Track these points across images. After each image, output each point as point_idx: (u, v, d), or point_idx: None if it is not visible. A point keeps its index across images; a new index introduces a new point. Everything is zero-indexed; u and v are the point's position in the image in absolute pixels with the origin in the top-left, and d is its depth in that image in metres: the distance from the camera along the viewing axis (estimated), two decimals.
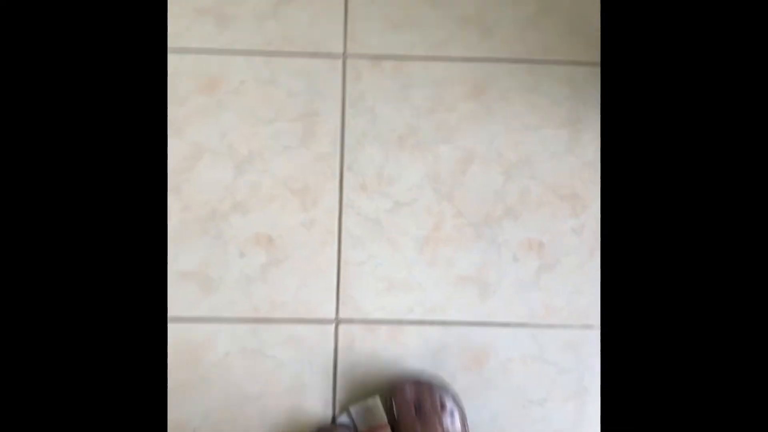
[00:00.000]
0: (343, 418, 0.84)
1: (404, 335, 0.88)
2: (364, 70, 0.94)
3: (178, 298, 0.88)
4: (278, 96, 0.93)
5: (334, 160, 0.91)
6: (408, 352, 0.88)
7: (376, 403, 0.83)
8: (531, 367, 0.88)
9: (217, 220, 0.90)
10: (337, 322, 0.89)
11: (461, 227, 0.91)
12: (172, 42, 0.93)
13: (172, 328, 0.87)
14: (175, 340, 0.87)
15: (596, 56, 0.95)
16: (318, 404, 0.87)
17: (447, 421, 0.80)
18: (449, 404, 0.82)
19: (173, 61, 0.93)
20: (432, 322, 0.89)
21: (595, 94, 0.94)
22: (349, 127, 0.93)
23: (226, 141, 0.91)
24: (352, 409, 0.83)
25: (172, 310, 0.88)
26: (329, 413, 0.87)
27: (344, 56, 0.94)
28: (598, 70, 0.94)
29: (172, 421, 0.86)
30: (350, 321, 0.89)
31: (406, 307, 0.89)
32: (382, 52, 0.94)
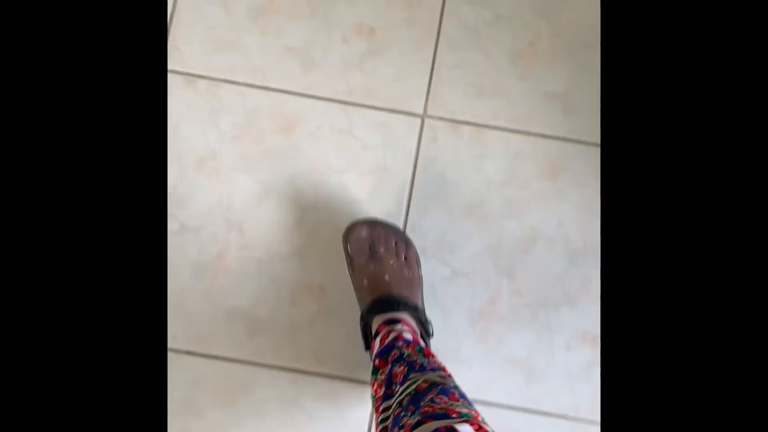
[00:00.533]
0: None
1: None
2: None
3: (280, 71, 0.94)
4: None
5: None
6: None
7: None
8: None
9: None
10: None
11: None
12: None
13: (271, 96, 0.93)
14: (272, 110, 0.93)
15: None
16: (395, 188, 0.91)
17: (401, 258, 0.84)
18: (404, 250, 0.84)
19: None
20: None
21: None
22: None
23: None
24: None
25: (271, 81, 0.94)
26: (405, 198, 0.91)
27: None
28: None
29: (260, 182, 0.92)
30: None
31: None
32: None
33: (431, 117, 0.94)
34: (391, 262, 0.82)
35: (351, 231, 0.84)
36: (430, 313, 0.88)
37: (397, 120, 0.93)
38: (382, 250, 0.83)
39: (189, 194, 0.91)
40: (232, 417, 0.87)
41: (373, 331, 0.79)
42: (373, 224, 0.85)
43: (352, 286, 0.88)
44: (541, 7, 0.96)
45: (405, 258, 0.84)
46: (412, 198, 0.91)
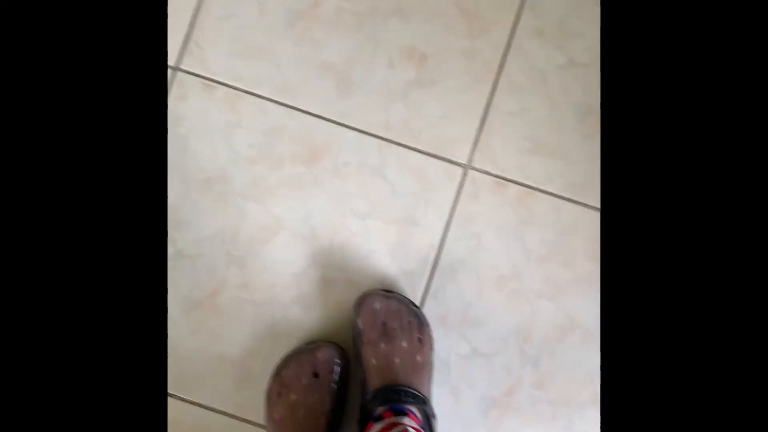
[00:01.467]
0: None
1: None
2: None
3: (311, 89, 0.82)
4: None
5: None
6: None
7: None
8: None
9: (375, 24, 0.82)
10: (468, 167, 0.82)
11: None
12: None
13: (297, 118, 0.81)
14: (297, 134, 0.81)
15: None
16: (423, 244, 0.81)
17: (414, 341, 0.74)
18: (418, 330, 0.74)
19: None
20: None
21: None
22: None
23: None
24: None
25: (300, 100, 0.81)
26: (431, 258, 0.80)
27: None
28: None
29: (271, 215, 0.81)
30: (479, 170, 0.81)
31: None
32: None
33: (475, 169, 0.81)
34: (404, 343, 0.72)
35: (363, 301, 0.74)
36: (440, 393, 0.78)
37: (436, 167, 0.81)
38: (395, 327, 0.73)
39: (190, 217, 0.80)
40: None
41: (375, 414, 0.69)
42: (387, 297, 0.74)
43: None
44: None
45: (419, 340, 0.74)
46: (439, 260, 0.80)
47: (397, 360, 0.71)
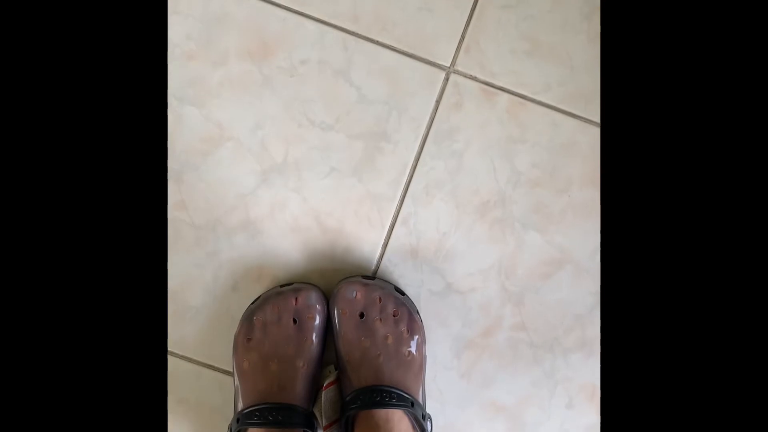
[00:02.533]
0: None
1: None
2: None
3: None
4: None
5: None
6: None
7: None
8: None
9: None
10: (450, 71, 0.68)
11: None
12: None
13: (247, 4, 0.66)
14: (245, 24, 0.67)
15: None
16: (394, 163, 0.68)
17: (400, 333, 0.63)
18: (406, 320, 0.64)
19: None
20: None
21: None
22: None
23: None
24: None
25: None
26: (404, 179, 0.68)
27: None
28: None
29: (211, 121, 0.67)
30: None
31: None
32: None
33: (460, 73, 0.68)
34: (387, 336, 0.62)
35: (338, 290, 0.64)
36: None
37: (413, 69, 0.68)
38: (376, 318, 0.62)
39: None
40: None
41: (356, 427, 0.60)
42: (366, 284, 0.63)
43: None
44: None
45: (407, 331, 0.63)
46: (413, 179, 0.68)
47: (380, 356, 0.61)
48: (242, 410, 0.59)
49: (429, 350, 0.68)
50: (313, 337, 0.63)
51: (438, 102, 0.68)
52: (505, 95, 0.68)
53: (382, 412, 0.60)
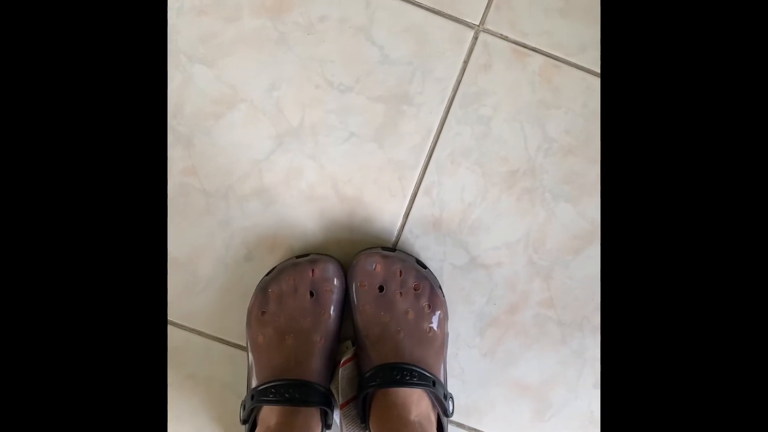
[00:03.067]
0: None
1: None
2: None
3: None
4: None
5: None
6: None
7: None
8: None
9: None
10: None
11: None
12: None
13: None
14: None
15: None
16: (418, 127, 0.63)
17: (421, 308, 0.60)
18: (427, 295, 0.61)
19: None
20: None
21: None
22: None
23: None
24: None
25: None
26: (428, 145, 0.63)
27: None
28: None
29: (225, 83, 0.63)
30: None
31: None
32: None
33: (489, 32, 0.63)
34: (408, 311, 0.59)
35: (357, 262, 0.60)
36: None
37: (439, 27, 0.63)
38: (397, 293, 0.59)
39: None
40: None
41: (373, 405, 0.58)
42: (387, 256, 0.60)
43: None
44: None
45: (429, 306, 0.60)
46: (437, 146, 0.64)
47: (399, 332, 0.57)
48: (257, 387, 0.56)
49: (451, 327, 0.64)
50: (331, 311, 0.59)
51: (465, 63, 0.63)
52: (538, 56, 0.64)
53: (401, 391, 0.56)
